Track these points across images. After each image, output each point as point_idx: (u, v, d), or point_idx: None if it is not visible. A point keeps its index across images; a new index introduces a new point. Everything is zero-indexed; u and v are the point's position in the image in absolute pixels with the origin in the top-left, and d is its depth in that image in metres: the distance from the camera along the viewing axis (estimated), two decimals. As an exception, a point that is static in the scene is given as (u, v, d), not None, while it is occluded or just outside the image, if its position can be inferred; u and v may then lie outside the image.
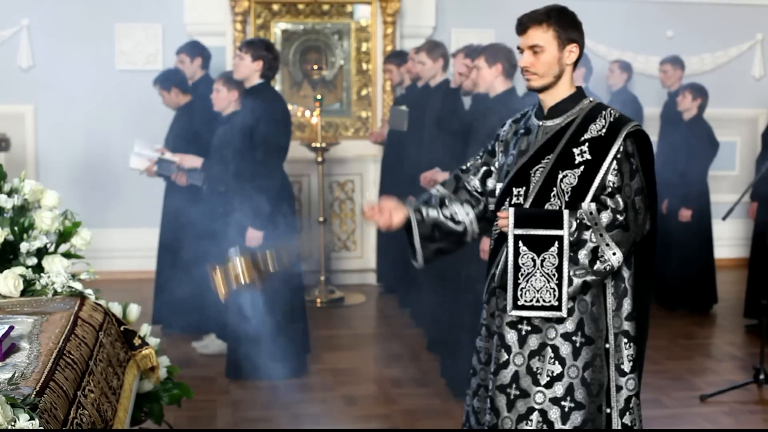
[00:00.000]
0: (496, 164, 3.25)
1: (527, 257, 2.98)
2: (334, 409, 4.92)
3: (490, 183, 3.26)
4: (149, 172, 6.16)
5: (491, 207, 3.25)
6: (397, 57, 7.29)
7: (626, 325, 3.09)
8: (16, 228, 3.33)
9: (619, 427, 3.08)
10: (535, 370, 3.04)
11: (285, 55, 7.80)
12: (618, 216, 2.96)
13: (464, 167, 3.33)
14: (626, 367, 3.09)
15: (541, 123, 3.12)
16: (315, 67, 7.66)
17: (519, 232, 2.98)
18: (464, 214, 3.26)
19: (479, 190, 3.27)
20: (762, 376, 5.19)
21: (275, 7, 7.74)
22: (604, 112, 3.06)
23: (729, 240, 8.46)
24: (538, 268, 2.96)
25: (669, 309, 7.01)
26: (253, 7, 7.62)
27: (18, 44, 7.74)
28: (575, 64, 3.08)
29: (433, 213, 3.23)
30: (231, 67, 5.77)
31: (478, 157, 3.32)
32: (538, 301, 2.97)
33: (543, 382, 3.03)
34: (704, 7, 8.56)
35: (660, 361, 5.71)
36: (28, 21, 7.71)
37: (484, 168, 3.28)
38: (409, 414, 4.87)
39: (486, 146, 3.33)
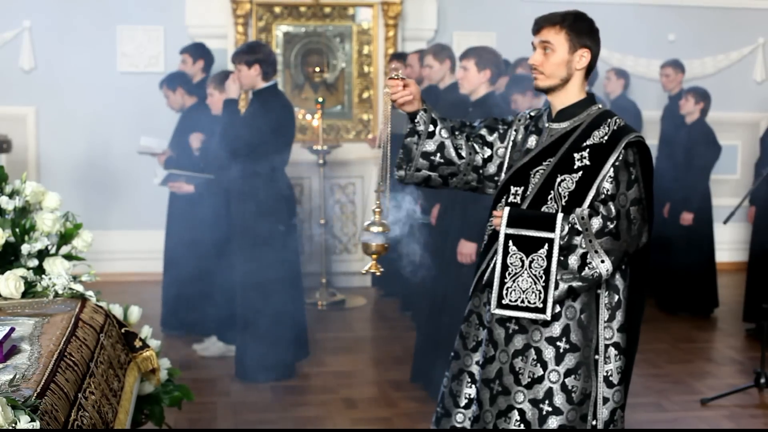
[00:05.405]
0: (498, 145, 3.20)
1: (516, 257, 2.98)
2: (335, 412, 4.92)
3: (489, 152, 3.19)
4: (160, 158, 6.27)
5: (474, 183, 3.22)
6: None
7: (617, 337, 3.07)
8: (17, 229, 3.33)
9: None
10: (517, 369, 3.05)
11: (286, 58, 7.80)
12: (608, 223, 2.94)
13: (473, 124, 3.25)
14: (615, 379, 3.07)
15: (548, 125, 3.12)
16: (316, 69, 7.65)
17: (510, 231, 2.99)
18: (467, 154, 3.16)
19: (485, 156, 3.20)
20: (763, 380, 5.18)
21: (277, 9, 7.74)
22: (609, 120, 3.05)
23: (730, 244, 8.45)
24: (525, 269, 2.96)
25: (670, 313, 7.00)
26: (254, 10, 7.63)
27: (20, 46, 7.74)
28: (589, 71, 3.08)
29: (444, 134, 3.13)
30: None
31: (487, 130, 3.23)
32: (522, 301, 2.97)
33: (524, 383, 3.03)
34: (706, 11, 8.56)
35: (661, 364, 5.71)
36: (30, 23, 7.72)
37: (489, 139, 3.21)
38: (410, 417, 4.87)
39: (498, 128, 3.24)
